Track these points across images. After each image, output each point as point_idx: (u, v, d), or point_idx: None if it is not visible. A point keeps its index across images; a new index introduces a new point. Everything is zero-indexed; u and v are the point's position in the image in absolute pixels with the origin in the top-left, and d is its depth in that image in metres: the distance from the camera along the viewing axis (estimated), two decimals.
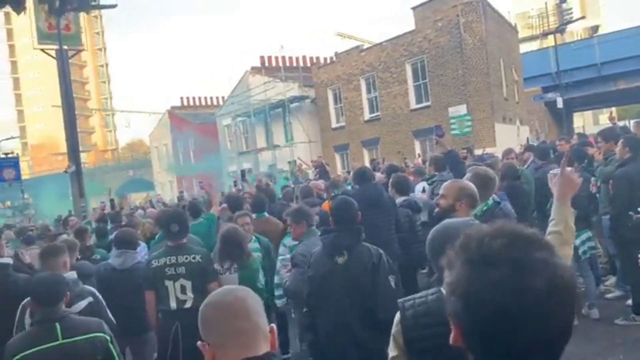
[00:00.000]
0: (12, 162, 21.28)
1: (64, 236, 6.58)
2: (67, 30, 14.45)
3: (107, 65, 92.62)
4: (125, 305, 4.24)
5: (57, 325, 2.81)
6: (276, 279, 5.13)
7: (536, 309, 0.89)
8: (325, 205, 5.44)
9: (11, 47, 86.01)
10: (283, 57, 29.27)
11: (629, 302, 5.77)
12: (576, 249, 5.61)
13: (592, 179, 6.48)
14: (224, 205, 7.08)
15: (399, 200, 6.15)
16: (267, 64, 29.14)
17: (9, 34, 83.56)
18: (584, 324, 5.34)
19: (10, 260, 4.31)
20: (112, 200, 13.15)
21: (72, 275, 3.74)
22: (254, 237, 5.37)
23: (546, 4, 39.27)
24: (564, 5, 37.26)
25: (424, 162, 11.96)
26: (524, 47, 32.67)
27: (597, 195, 6.47)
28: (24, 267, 4.53)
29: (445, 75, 20.50)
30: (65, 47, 14.17)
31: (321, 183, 8.84)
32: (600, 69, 29.36)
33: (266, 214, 6.49)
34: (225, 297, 1.57)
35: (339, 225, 3.56)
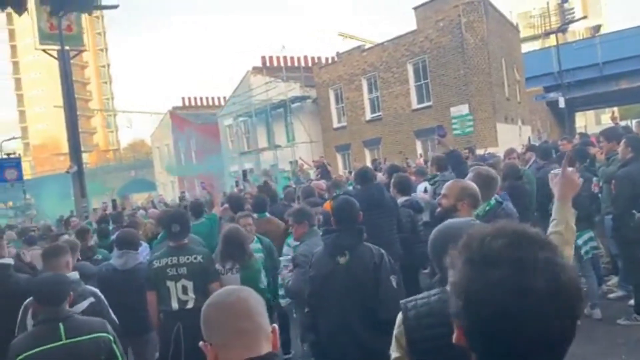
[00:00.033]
0: (14, 163, 21.33)
1: (66, 236, 6.59)
2: (68, 31, 14.47)
3: (108, 65, 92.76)
4: (127, 306, 4.24)
5: (61, 325, 2.82)
6: (280, 279, 5.14)
7: (537, 310, 0.89)
8: (327, 206, 5.44)
9: (13, 48, 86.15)
10: (284, 57, 29.30)
11: (631, 302, 5.76)
12: (578, 249, 5.61)
13: (594, 179, 6.47)
14: (226, 205, 7.08)
15: (401, 200, 6.14)
16: (268, 64, 29.16)
17: (11, 34, 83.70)
18: (586, 324, 5.33)
19: (11, 261, 4.32)
20: (114, 201, 13.16)
21: (75, 275, 3.75)
22: (255, 238, 5.37)
23: (548, 3, 39.18)
24: (566, 5, 37.19)
25: (425, 162, 11.96)
26: (526, 47, 32.64)
27: (600, 195, 6.46)
28: (25, 267, 4.54)
29: (447, 75, 20.50)
30: (67, 47, 14.19)
31: (323, 183, 8.84)
32: (602, 69, 29.33)
33: (267, 214, 6.49)
34: (227, 297, 1.57)
35: (340, 225, 3.56)
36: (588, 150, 7.36)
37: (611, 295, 6.42)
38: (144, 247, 5.93)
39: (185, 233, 4.48)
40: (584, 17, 39.07)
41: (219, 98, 38.43)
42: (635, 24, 33.67)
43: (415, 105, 22.09)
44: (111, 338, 2.95)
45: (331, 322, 3.43)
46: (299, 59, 29.86)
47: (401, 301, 2.09)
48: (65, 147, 20.76)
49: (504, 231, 0.97)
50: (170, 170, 37.12)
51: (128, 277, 4.68)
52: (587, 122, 45.41)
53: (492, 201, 3.40)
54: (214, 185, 8.45)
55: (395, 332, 2.04)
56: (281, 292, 5.10)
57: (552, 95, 26.16)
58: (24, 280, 4.14)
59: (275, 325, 1.59)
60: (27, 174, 45.04)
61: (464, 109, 20.12)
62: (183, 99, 38.59)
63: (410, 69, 22.05)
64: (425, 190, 7.01)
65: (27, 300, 3.52)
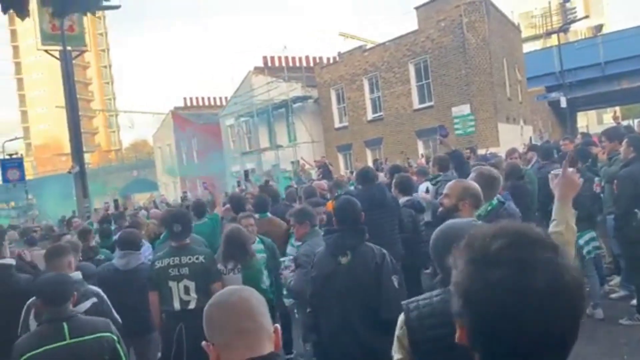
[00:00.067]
0: (16, 163, 21.39)
1: (68, 236, 6.61)
2: (70, 31, 14.50)
3: (110, 66, 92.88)
4: (129, 306, 4.25)
5: (65, 325, 2.82)
6: (282, 279, 5.14)
7: (537, 309, 0.89)
8: (329, 206, 5.45)
9: (15, 48, 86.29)
10: (286, 57, 29.29)
11: (634, 302, 5.75)
12: (580, 248, 5.61)
13: (596, 178, 6.47)
14: (227, 205, 7.09)
15: (402, 200, 6.14)
16: (270, 64, 29.16)
17: (13, 35, 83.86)
18: (588, 324, 5.32)
19: (13, 261, 4.32)
20: (115, 201, 13.17)
21: (78, 275, 3.76)
22: (257, 239, 5.37)
23: (549, 3, 39.18)
24: (568, 5, 37.16)
25: (427, 161, 11.95)
26: (527, 47, 32.60)
27: (601, 195, 6.45)
28: (26, 267, 4.54)
29: (449, 75, 20.49)
30: (68, 48, 14.22)
31: (324, 183, 8.84)
32: (604, 68, 29.30)
33: (269, 214, 6.50)
34: (229, 297, 1.57)
35: (342, 226, 3.56)
36: (590, 150, 7.36)
37: (613, 295, 6.41)
38: (146, 247, 5.94)
39: (187, 233, 4.49)
40: (586, 17, 39.00)
41: (220, 98, 38.47)
42: (637, 23, 33.67)
43: (416, 105, 22.08)
44: (115, 338, 2.96)
45: (333, 322, 3.43)
46: (300, 59, 29.86)
47: (403, 302, 2.10)
48: (67, 148, 20.77)
49: (505, 231, 0.97)
50: (171, 172, 37.20)
51: (130, 278, 4.69)
52: (588, 122, 45.34)
53: (495, 201, 3.40)
54: (215, 186, 8.46)
55: (397, 333, 2.04)
56: (285, 291, 5.10)
57: (553, 95, 26.13)
58: (25, 280, 4.15)
59: (278, 325, 1.60)
60: (29, 174, 45.11)
61: (465, 109, 20.11)
62: (185, 99, 38.67)
63: (411, 69, 22.04)
64: (427, 190, 7.01)
65: (30, 300, 3.53)
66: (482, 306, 0.93)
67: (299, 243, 4.86)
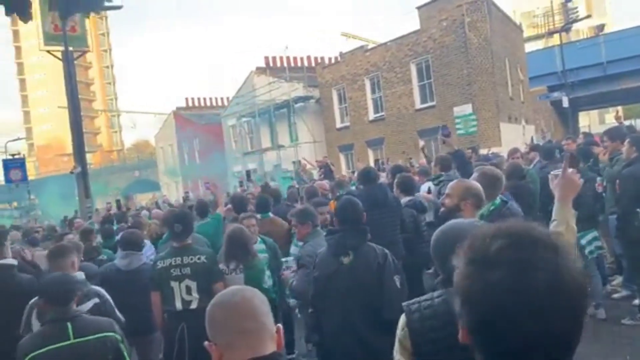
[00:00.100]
0: (19, 163, 21.41)
1: (70, 236, 6.61)
2: (72, 32, 14.49)
3: (112, 66, 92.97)
4: (131, 306, 4.25)
5: (69, 325, 2.83)
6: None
7: (536, 310, 0.89)
8: (332, 205, 5.44)
9: (17, 49, 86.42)
10: (288, 58, 29.29)
11: (636, 301, 5.75)
12: (583, 248, 5.60)
13: (598, 178, 6.46)
14: (229, 206, 7.09)
15: (404, 200, 6.14)
16: (271, 65, 29.17)
17: (15, 35, 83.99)
18: (590, 324, 5.32)
19: (14, 262, 4.33)
20: (118, 201, 13.19)
21: (81, 275, 3.77)
22: (259, 239, 5.37)
23: (551, 2, 39.12)
24: (570, 4, 37.08)
25: (429, 162, 11.93)
26: (529, 46, 32.57)
27: (604, 194, 6.44)
28: (28, 267, 4.55)
29: (450, 74, 20.47)
30: (70, 48, 14.21)
31: (326, 183, 8.84)
32: (606, 68, 29.24)
33: (271, 215, 6.50)
34: (232, 297, 1.58)
35: (344, 226, 3.56)
36: (592, 150, 7.35)
37: (615, 295, 6.40)
38: (148, 247, 5.95)
39: (188, 233, 4.49)
40: (588, 16, 38.98)
41: (222, 98, 38.54)
42: (639, 23, 33.58)
43: (418, 105, 22.07)
44: (118, 338, 2.97)
45: (335, 322, 3.43)
46: (302, 59, 29.85)
47: (404, 303, 2.09)
48: (69, 148, 20.81)
49: (506, 231, 0.97)
50: (171, 173, 37.27)
51: (132, 278, 4.70)
52: (590, 121, 45.25)
53: (497, 201, 3.40)
54: (217, 186, 8.46)
55: (398, 335, 2.03)
56: (288, 292, 5.10)
57: (555, 94, 26.10)
58: (27, 281, 4.16)
59: (280, 325, 1.60)
60: (32, 174, 45.14)
61: (467, 108, 20.09)
62: (187, 99, 38.75)
63: (413, 68, 22.03)
64: (429, 190, 7.00)
65: (33, 300, 3.54)
66: (481, 306, 0.93)
67: (302, 243, 4.86)
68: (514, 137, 19.25)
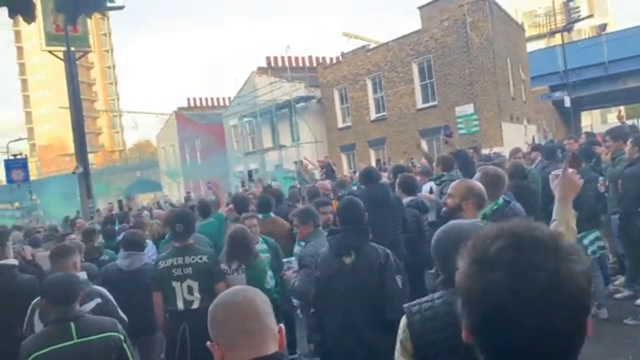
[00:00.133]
0: (21, 164, 21.44)
1: (73, 236, 6.62)
2: (74, 32, 14.51)
3: (114, 66, 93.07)
4: (133, 306, 4.26)
5: (72, 325, 2.84)
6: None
7: (535, 312, 0.88)
8: (335, 205, 5.43)
9: (19, 49, 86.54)
10: (289, 58, 29.32)
11: (638, 301, 5.75)
12: (585, 248, 5.59)
13: (601, 178, 6.44)
14: (231, 206, 7.10)
15: (406, 200, 6.13)
16: (273, 65, 29.18)
17: (17, 36, 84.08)
18: (592, 324, 5.30)
19: (15, 262, 4.34)
20: (120, 201, 13.21)
21: (83, 275, 3.77)
22: (261, 239, 5.37)
23: (553, 2, 39.11)
24: (572, 4, 37.08)
25: (430, 162, 11.91)
26: (531, 46, 32.54)
27: (606, 194, 6.43)
28: (29, 267, 4.56)
29: (452, 74, 20.45)
30: (72, 48, 14.24)
31: (327, 183, 8.84)
32: (608, 68, 29.18)
33: (272, 215, 6.50)
34: (234, 297, 1.58)
35: (345, 226, 3.56)
36: (594, 150, 7.33)
37: (618, 295, 6.39)
38: (150, 247, 5.95)
39: (189, 233, 4.49)
40: (590, 16, 38.89)
41: (224, 98, 38.56)
42: None
43: (420, 104, 22.05)
44: (122, 337, 2.97)
45: (336, 323, 3.43)
46: (303, 59, 29.86)
47: (404, 305, 2.09)
48: (71, 148, 20.85)
49: (508, 232, 0.97)
50: (171, 175, 37.32)
51: (134, 278, 4.70)
52: (593, 121, 45.20)
53: (500, 200, 3.40)
54: (219, 186, 8.47)
55: (400, 337, 2.03)
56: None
57: (557, 94, 26.03)
58: (28, 281, 4.17)
59: (282, 325, 1.60)
60: (33, 174, 45.22)
61: (469, 108, 20.08)
62: (188, 99, 38.81)
63: (415, 68, 22.02)
64: (431, 190, 7.00)
65: (35, 300, 3.54)
66: (481, 307, 0.93)
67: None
68: (516, 137, 19.20)
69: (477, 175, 3.53)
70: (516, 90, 22.93)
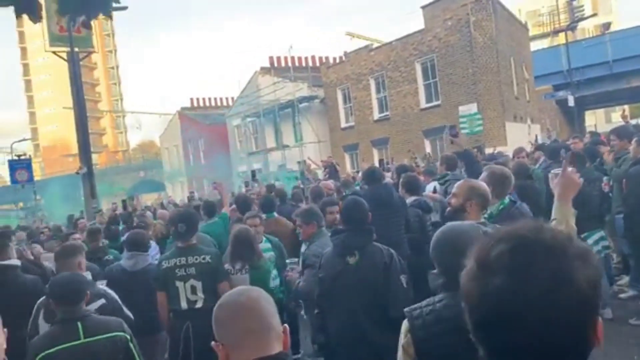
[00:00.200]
0: (25, 164, 21.48)
1: (77, 235, 6.64)
2: (78, 33, 14.53)
3: (117, 67, 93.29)
4: (137, 306, 4.26)
5: (79, 324, 2.84)
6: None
7: (534, 318, 0.88)
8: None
9: (23, 50, 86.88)
10: (292, 58, 29.30)
11: None
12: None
13: (605, 178, 6.42)
14: (233, 206, 7.10)
15: (410, 200, 6.12)
16: (276, 65, 29.18)
17: (21, 36, 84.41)
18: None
19: (18, 262, 4.35)
20: (124, 201, 13.22)
21: (88, 275, 3.78)
22: (264, 239, 5.37)
23: (557, 1, 38.94)
24: (575, 3, 36.96)
25: (431, 162, 11.89)
26: (535, 45, 32.45)
27: (610, 194, 6.41)
28: (32, 267, 4.57)
29: (456, 74, 20.42)
30: (76, 49, 14.26)
31: (331, 183, 8.84)
32: (612, 67, 29.11)
33: (276, 214, 6.50)
34: (238, 297, 1.58)
35: (349, 226, 3.56)
36: (598, 149, 7.31)
37: (622, 295, 6.37)
38: (154, 247, 5.96)
39: (192, 233, 4.49)
40: (594, 15, 38.78)
41: (227, 98, 38.58)
42: None
43: (423, 104, 22.02)
44: (128, 337, 2.98)
45: (341, 322, 3.43)
46: (306, 59, 29.87)
47: (405, 309, 2.08)
48: (74, 148, 20.87)
49: (512, 235, 0.96)
50: (173, 176, 37.38)
51: (137, 278, 4.71)
52: (597, 120, 45.05)
53: (506, 200, 3.39)
54: (223, 186, 8.47)
55: (402, 341, 2.02)
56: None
57: (561, 93, 25.98)
58: (31, 281, 4.18)
59: (286, 325, 1.60)
60: (37, 175, 45.40)
61: (472, 107, 20.04)
62: (191, 99, 38.84)
63: (418, 68, 21.99)
64: (435, 190, 6.98)
65: (40, 299, 3.55)
66: (480, 310, 0.94)
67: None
68: (520, 137, 19.16)
69: (484, 174, 3.52)
70: (520, 89, 22.88)
